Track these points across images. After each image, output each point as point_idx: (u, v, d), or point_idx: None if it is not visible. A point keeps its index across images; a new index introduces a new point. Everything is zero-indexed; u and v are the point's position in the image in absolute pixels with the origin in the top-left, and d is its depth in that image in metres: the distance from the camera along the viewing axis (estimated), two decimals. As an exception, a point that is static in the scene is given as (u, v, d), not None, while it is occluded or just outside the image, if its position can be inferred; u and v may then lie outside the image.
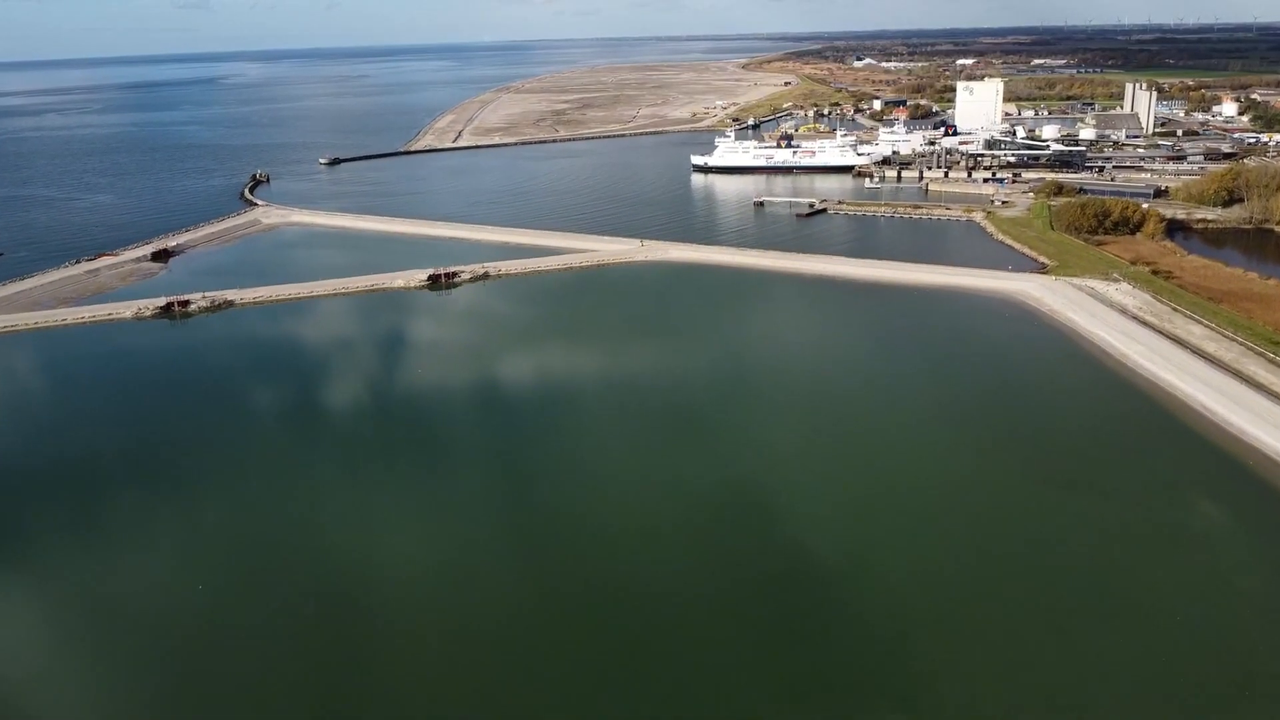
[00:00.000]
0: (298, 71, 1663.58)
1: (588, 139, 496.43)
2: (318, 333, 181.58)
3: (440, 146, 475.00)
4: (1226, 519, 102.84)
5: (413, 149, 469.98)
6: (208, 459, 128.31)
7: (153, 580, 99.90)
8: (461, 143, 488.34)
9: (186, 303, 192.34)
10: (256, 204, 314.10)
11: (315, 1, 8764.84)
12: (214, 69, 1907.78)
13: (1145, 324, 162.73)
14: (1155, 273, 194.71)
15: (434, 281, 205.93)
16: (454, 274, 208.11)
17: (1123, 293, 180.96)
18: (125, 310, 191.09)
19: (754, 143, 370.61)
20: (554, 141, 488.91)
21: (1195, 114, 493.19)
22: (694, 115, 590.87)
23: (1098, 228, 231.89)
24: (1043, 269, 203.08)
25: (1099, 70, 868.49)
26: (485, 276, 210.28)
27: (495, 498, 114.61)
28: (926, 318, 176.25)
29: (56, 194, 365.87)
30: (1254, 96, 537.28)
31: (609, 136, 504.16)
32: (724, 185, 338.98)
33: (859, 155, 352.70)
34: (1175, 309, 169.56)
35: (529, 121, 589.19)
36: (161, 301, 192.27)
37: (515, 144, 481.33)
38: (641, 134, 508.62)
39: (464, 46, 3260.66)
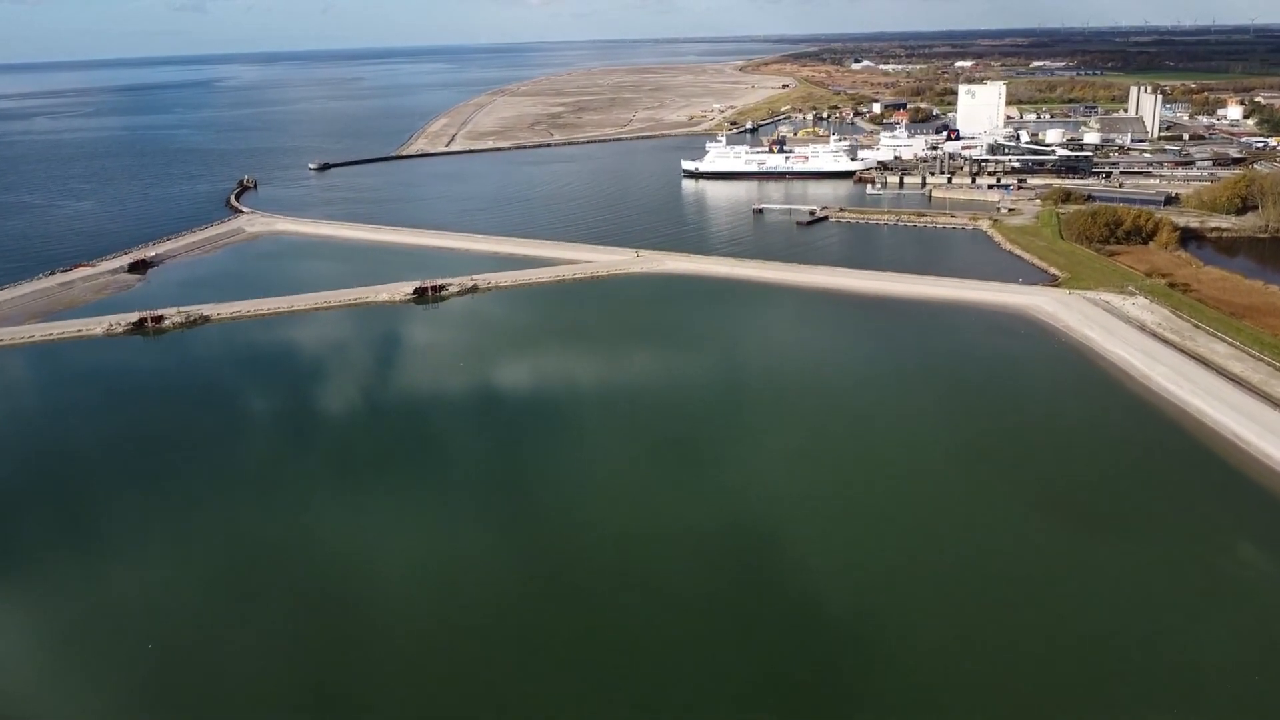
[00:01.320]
0: (292, 74, 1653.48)
1: (583, 143, 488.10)
2: (297, 349, 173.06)
3: (433, 151, 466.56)
4: (1272, 566, 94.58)
5: (405, 153, 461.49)
6: (174, 486, 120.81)
7: (123, 612, 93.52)
8: (455, 147, 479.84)
9: (160, 318, 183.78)
10: (242, 211, 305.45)
11: (311, 4, 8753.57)
12: (208, 72, 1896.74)
13: (1166, 342, 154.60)
14: (1172, 285, 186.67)
15: (420, 295, 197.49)
16: (441, 287, 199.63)
17: (1140, 307, 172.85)
18: (96, 326, 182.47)
19: (746, 148, 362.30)
20: (549, 146, 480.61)
21: (1200, 117, 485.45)
22: (691, 118, 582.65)
23: (1109, 237, 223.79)
24: (1054, 281, 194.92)
25: (1098, 72, 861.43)
26: (474, 289, 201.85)
27: (478, 526, 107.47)
28: (936, 335, 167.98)
29: (39, 200, 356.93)
30: (1258, 99, 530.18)
31: (605, 140, 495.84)
32: (716, 191, 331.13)
33: (853, 161, 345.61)
34: (1196, 325, 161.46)
35: (524, 125, 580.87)
36: (134, 317, 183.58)
37: (509, 148, 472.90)
38: (638, 138, 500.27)
39: (460, 49, 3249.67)
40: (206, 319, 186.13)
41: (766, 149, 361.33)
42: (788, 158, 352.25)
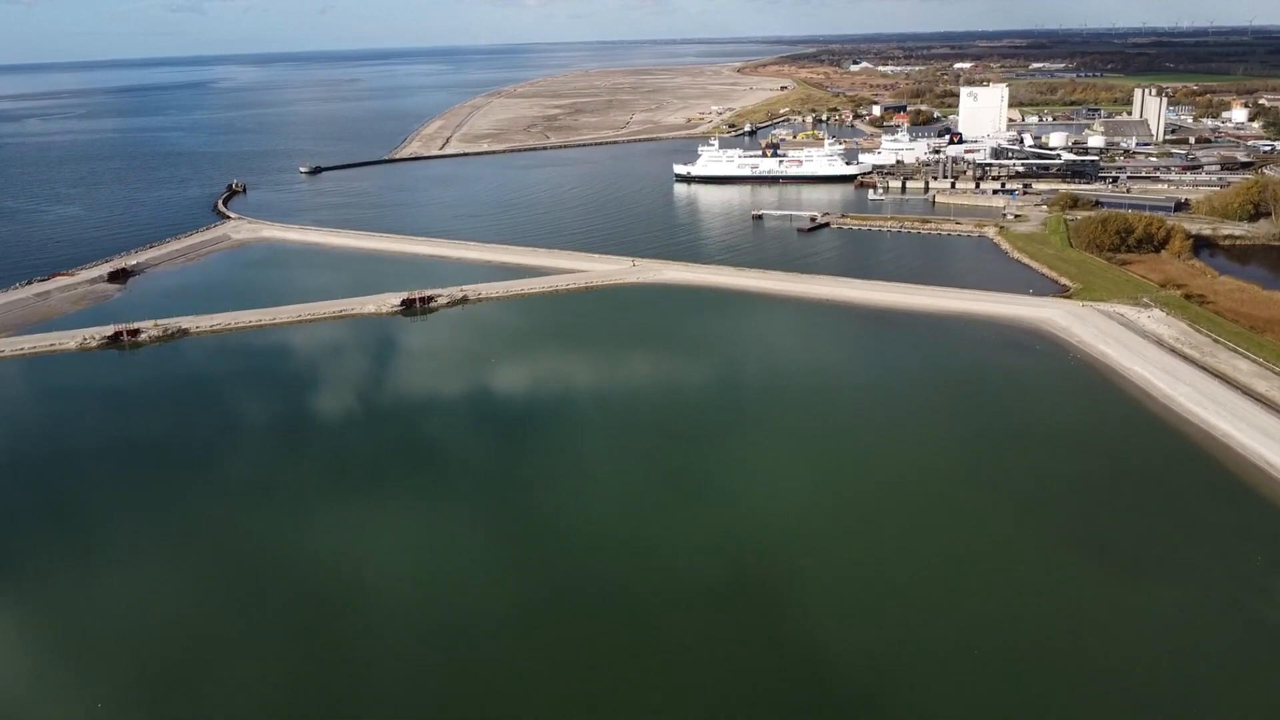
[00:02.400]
0: (289, 75, 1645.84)
1: (580, 146, 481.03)
2: (277, 364, 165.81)
3: (426, 154, 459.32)
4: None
5: (398, 157, 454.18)
6: (143, 510, 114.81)
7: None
8: (449, 150, 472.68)
9: (136, 331, 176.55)
10: (229, 217, 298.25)
11: (308, 5, 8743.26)
12: (205, 73, 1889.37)
13: (1186, 358, 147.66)
14: (1188, 297, 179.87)
15: (408, 306, 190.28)
16: (429, 298, 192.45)
17: (1156, 321, 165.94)
18: (69, 340, 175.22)
19: (739, 151, 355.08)
20: (544, 149, 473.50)
21: (1204, 120, 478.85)
22: (689, 121, 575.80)
23: (1120, 245, 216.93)
24: (1065, 292, 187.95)
25: (1099, 74, 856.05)
26: (463, 300, 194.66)
27: (464, 555, 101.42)
28: (944, 350, 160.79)
29: (23, 206, 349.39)
30: (1261, 102, 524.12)
31: (601, 143, 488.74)
32: (708, 196, 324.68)
33: (848, 164, 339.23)
34: (1216, 340, 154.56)
35: (519, 127, 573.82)
36: (109, 330, 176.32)
37: (504, 151, 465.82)
38: (635, 140, 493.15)
39: (457, 50, 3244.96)
40: (185, 332, 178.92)
41: (760, 152, 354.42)
42: (781, 161, 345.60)
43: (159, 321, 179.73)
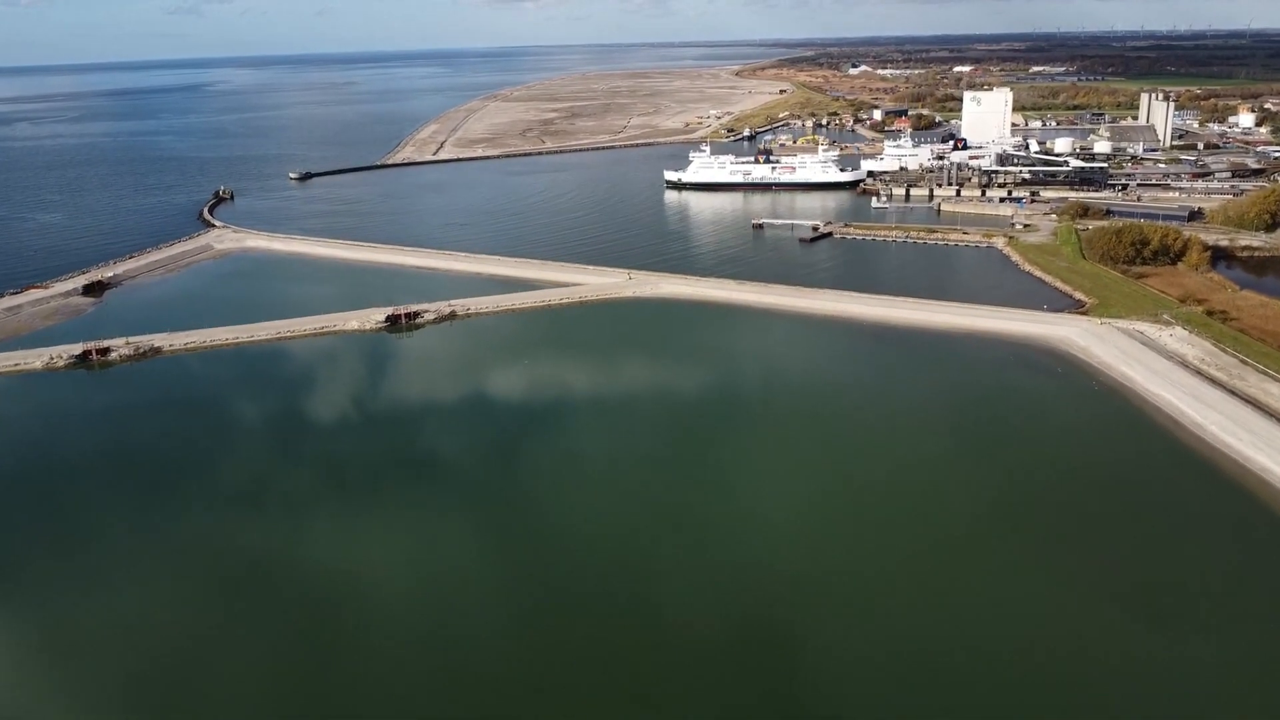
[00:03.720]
0: (285, 78, 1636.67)
1: (576, 151, 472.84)
2: (253, 385, 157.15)
3: (420, 160, 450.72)
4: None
5: (390, 162, 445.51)
6: (104, 544, 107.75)
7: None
8: (443, 155, 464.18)
9: (106, 350, 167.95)
10: (214, 225, 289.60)
11: (306, 8, 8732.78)
12: (200, 75, 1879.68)
13: (1214, 382, 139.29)
14: (1210, 313, 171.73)
15: (393, 323, 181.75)
16: (415, 314, 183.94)
17: (1179, 340, 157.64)
18: (36, 359, 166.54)
19: (731, 158, 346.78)
20: (539, 154, 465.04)
21: (1210, 125, 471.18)
22: (687, 125, 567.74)
23: (1135, 257, 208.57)
24: (1081, 308, 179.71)
25: (1100, 78, 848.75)
26: (451, 316, 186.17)
27: (450, 586, 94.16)
28: (955, 371, 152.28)
29: (4, 213, 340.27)
30: (1268, 106, 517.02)
31: (598, 148, 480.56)
32: (700, 203, 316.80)
33: (841, 171, 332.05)
34: (1244, 362, 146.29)
35: (515, 132, 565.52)
36: (78, 349, 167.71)
37: (499, 156, 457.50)
38: (632, 145, 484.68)
39: (455, 52, 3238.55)
40: (157, 351, 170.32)
41: (752, 159, 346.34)
42: (774, 168, 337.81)
43: (131, 339, 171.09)
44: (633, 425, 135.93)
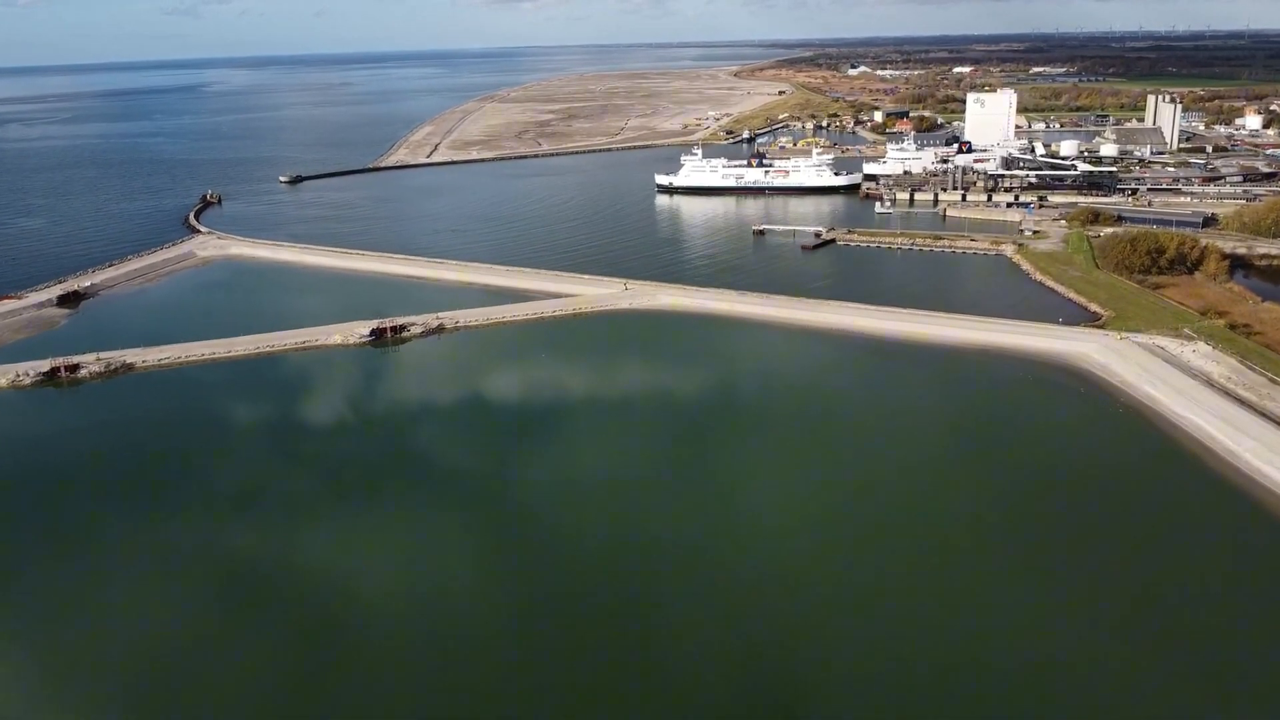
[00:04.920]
0: (281, 79, 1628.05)
1: (572, 154, 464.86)
2: (228, 404, 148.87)
3: (413, 162, 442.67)
4: None
5: (383, 165, 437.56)
6: (66, 568, 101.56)
7: None
8: (437, 158, 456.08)
9: (76, 367, 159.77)
10: (199, 231, 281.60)
11: (304, 8, 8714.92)
12: (197, 76, 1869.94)
13: (1243, 403, 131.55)
14: (1232, 327, 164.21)
15: (377, 337, 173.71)
16: (401, 327, 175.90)
17: (1202, 356, 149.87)
18: (0, 377, 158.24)
19: (723, 161, 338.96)
20: (535, 157, 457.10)
21: (1217, 127, 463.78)
22: (685, 127, 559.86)
23: (1151, 266, 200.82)
24: (1097, 321, 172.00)
25: (1101, 78, 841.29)
26: (439, 329, 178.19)
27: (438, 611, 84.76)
28: (971, 391, 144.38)
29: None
30: (1274, 108, 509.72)
31: (594, 151, 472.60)
32: (693, 208, 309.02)
33: (836, 175, 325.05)
34: (1274, 380, 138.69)
35: (511, 134, 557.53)
36: (45, 366, 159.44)
37: (493, 159, 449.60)
38: (629, 148, 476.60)
39: (453, 53, 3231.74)
40: (130, 367, 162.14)
41: (745, 162, 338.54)
42: (767, 172, 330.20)
43: (102, 355, 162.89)
44: (630, 446, 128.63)
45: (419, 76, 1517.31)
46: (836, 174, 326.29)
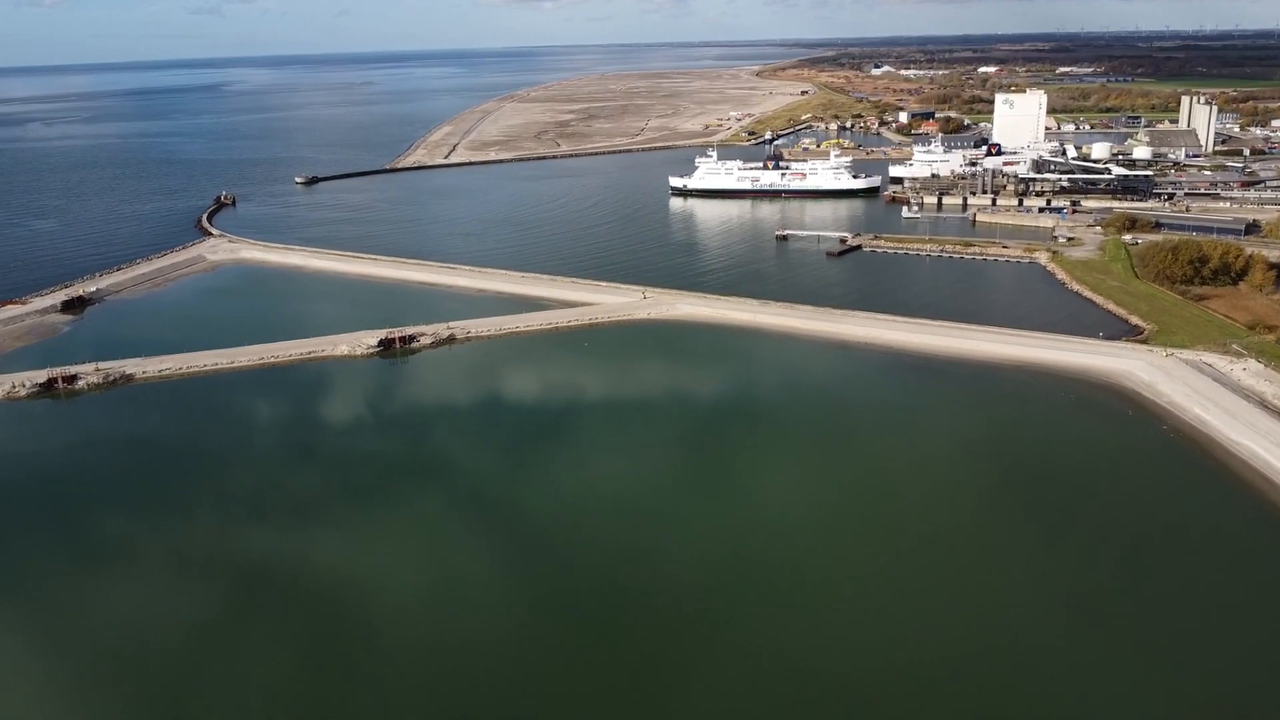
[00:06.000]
0: (302, 78, 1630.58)
1: (591, 154, 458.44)
2: (229, 418, 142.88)
3: (430, 163, 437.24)
4: None
5: (400, 166, 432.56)
6: (48, 592, 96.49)
7: None
8: (454, 159, 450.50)
9: (73, 378, 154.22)
10: (211, 234, 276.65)
11: (327, 8, 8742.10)
12: (219, 75, 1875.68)
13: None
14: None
15: (385, 348, 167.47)
16: (411, 337, 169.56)
17: (1254, 375, 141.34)
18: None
19: (738, 163, 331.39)
20: (554, 158, 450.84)
21: (1252, 129, 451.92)
22: (706, 127, 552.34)
23: (1194, 276, 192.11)
24: (1139, 335, 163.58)
25: (1130, 79, 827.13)
26: (450, 340, 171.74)
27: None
28: (1007, 413, 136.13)
29: (1, 220, 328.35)
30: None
31: (614, 152, 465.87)
32: (706, 211, 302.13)
33: (854, 178, 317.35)
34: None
35: (530, 134, 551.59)
36: (42, 377, 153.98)
37: (511, 160, 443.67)
38: (649, 149, 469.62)
39: (474, 53, 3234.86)
40: (129, 378, 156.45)
41: (760, 165, 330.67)
42: (784, 174, 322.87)
43: (101, 365, 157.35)
44: (647, 468, 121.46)
45: (440, 76, 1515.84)
46: (855, 176, 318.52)
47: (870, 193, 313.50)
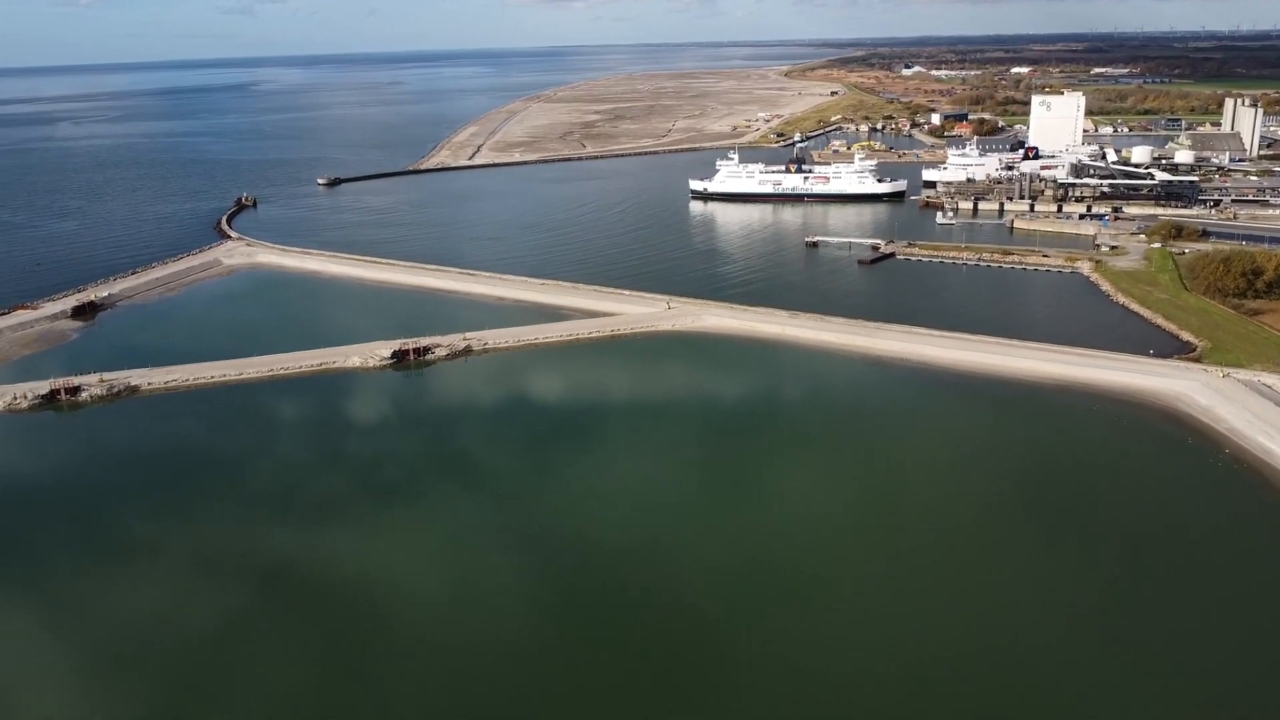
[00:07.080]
0: (331, 78, 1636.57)
1: (616, 156, 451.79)
2: (235, 434, 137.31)
3: (454, 164, 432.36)
4: None
5: (424, 167, 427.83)
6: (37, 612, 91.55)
7: None
8: (478, 160, 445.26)
9: (77, 389, 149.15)
10: (229, 237, 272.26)
11: (357, 7, 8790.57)
12: (249, 75, 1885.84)
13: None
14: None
15: (399, 359, 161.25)
16: (426, 349, 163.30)
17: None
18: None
19: (760, 166, 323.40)
20: (579, 159, 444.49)
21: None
22: (734, 128, 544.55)
23: (1247, 289, 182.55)
24: (1191, 352, 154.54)
25: (1167, 80, 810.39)
26: (466, 351, 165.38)
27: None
28: (1053, 437, 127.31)
29: (20, 220, 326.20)
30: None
31: (640, 154, 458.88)
32: (727, 215, 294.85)
33: (879, 182, 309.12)
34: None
35: (555, 135, 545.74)
36: (44, 387, 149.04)
37: (536, 161, 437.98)
38: (676, 150, 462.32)
39: (502, 52, 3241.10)
40: (134, 390, 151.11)
41: (783, 168, 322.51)
42: (806, 178, 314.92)
43: (105, 376, 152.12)
44: (668, 481, 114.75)
45: (468, 75, 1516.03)
46: (880, 180, 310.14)
47: (896, 197, 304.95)
